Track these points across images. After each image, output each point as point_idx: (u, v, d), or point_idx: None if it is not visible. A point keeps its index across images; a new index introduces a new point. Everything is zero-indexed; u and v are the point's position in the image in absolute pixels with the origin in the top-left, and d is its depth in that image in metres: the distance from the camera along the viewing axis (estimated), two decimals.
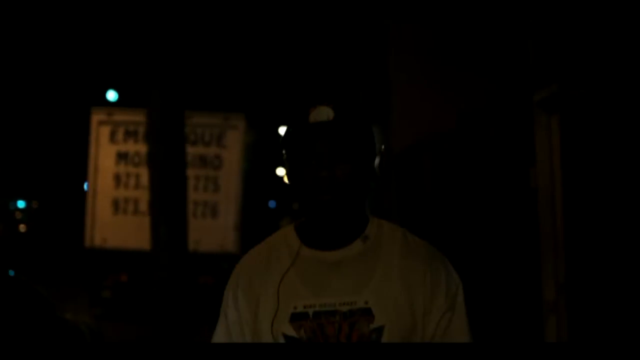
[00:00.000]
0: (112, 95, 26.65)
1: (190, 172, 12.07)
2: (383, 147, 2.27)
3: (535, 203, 5.98)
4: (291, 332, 2.15)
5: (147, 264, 13.66)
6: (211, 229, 13.27)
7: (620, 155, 4.71)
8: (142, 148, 14.17)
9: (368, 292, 2.16)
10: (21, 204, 35.27)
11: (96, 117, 14.69)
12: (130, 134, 14.34)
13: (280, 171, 33.36)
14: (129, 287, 13.93)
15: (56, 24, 22.28)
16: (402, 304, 2.16)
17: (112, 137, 14.41)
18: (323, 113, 2.19)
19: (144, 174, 14.19)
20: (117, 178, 14.33)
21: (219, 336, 2.28)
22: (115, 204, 14.30)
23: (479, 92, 9.42)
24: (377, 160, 2.24)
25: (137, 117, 14.19)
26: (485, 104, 8.04)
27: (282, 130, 33.72)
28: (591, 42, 5.02)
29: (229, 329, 2.26)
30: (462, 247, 7.35)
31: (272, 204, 32.06)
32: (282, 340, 2.15)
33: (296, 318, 2.17)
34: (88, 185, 14.93)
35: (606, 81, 4.83)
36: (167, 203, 8.37)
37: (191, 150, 12.86)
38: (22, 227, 31.43)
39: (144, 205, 14.05)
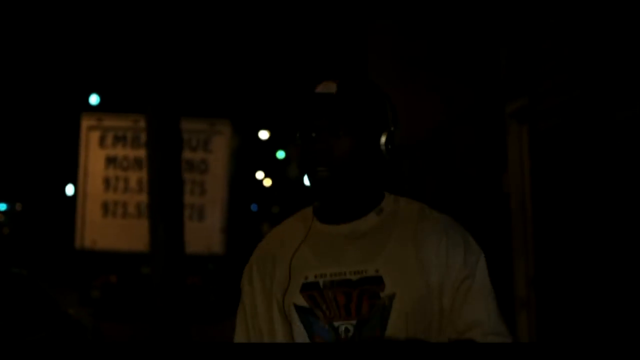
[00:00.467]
0: (94, 99, 26.91)
1: None
2: (392, 127, 2.18)
3: (508, 206, 6.46)
4: (302, 302, 2.12)
5: (135, 265, 14.12)
6: (198, 231, 13.62)
7: (584, 161, 5.19)
8: (130, 153, 14.63)
9: (379, 261, 2.11)
10: (2, 206, 35.18)
11: (86, 122, 15.11)
12: (119, 139, 14.77)
13: (260, 175, 33.68)
14: (118, 288, 14.29)
15: (48, 28, 22.50)
16: (415, 272, 2.10)
17: (102, 142, 14.82)
18: (327, 87, 2.17)
19: (133, 177, 14.68)
20: (106, 182, 14.75)
21: (240, 320, 2.26)
22: (105, 207, 14.71)
23: (456, 100, 9.85)
24: (383, 138, 2.16)
25: (125, 123, 14.67)
26: (462, 113, 8.49)
27: (262, 134, 33.88)
28: (559, 58, 5.49)
29: (245, 310, 2.24)
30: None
31: (254, 207, 32.51)
32: (293, 310, 2.13)
33: (307, 288, 2.14)
34: (78, 189, 15.33)
35: (573, 94, 5.31)
36: (165, 205, 8.76)
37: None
38: (4, 230, 31.39)
39: (132, 208, 14.53)
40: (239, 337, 2.24)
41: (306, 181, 2.19)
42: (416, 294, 2.07)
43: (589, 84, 5.01)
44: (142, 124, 14.73)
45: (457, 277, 2.09)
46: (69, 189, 32.29)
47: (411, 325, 2.07)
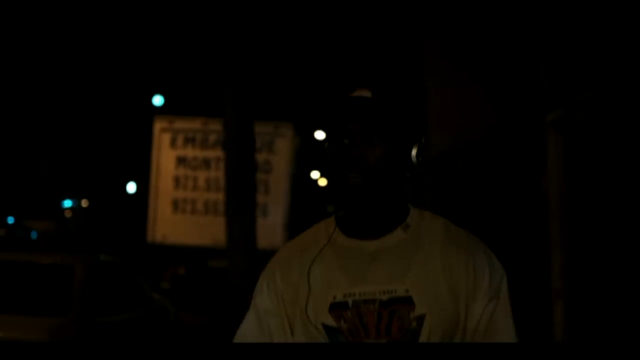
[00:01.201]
0: (158, 100, 27.82)
1: None
2: (424, 138, 2.16)
3: (546, 205, 7.22)
4: (331, 322, 2.05)
5: (203, 258, 15.09)
6: (263, 228, 14.53)
7: (613, 167, 5.93)
8: (199, 153, 15.64)
9: (409, 281, 2.05)
10: (68, 203, 36.32)
11: (159, 124, 16.16)
12: (188, 140, 15.78)
13: (315, 174, 34.48)
14: (186, 279, 15.26)
15: (118, 31, 23.41)
16: (444, 292, 2.06)
17: (173, 143, 15.85)
18: (361, 92, 2.13)
19: (201, 176, 15.69)
20: (176, 180, 15.78)
21: (248, 324, 2.18)
22: (175, 204, 15.74)
23: (504, 105, 10.54)
24: (414, 150, 2.12)
25: (195, 125, 15.70)
26: (508, 117, 9.22)
27: (318, 134, 34.70)
28: (589, 75, 6.25)
29: (259, 318, 2.16)
30: (487, 244, 8.59)
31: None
32: (321, 330, 2.06)
33: (336, 307, 2.07)
34: (150, 186, 16.36)
35: (603, 106, 6.06)
36: (240, 204, 9.61)
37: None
38: (71, 226, 32.47)
39: (200, 205, 15.54)
40: (245, 339, 2.18)
41: (334, 188, 2.11)
42: (445, 314, 2.05)
43: (613, 99, 5.77)
44: (210, 126, 15.81)
45: (483, 299, 2.08)
46: (131, 187, 33.46)
47: None
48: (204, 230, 14.86)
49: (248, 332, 2.16)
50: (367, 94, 2.11)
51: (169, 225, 15.62)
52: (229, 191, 9.86)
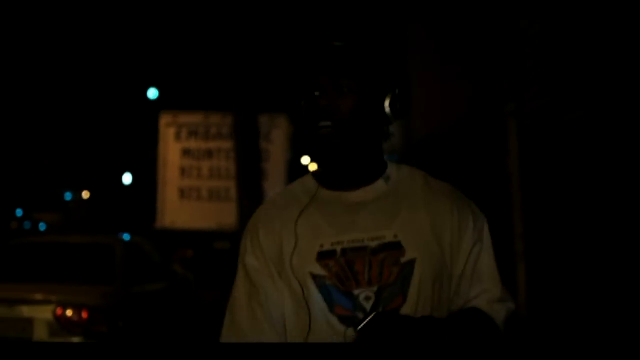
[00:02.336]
0: (152, 94, 28.65)
1: None
2: (397, 90, 2.09)
3: (509, 181, 8.60)
4: (319, 270, 2.01)
5: (208, 241, 16.47)
6: None
7: (560, 147, 7.28)
8: (202, 145, 17.07)
9: (397, 226, 2.04)
10: (69, 195, 37.43)
11: (164, 119, 17.54)
12: (192, 134, 17.22)
13: (305, 160, 35.59)
14: (194, 261, 16.59)
15: (116, 28, 24.13)
16: (431, 238, 2.05)
17: (177, 136, 17.27)
18: (332, 43, 2.07)
19: (205, 166, 17.10)
20: (182, 170, 17.22)
21: (240, 287, 2.10)
22: (181, 192, 17.18)
23: (478, 94, 11.86)
24: (387, 101, 2.07)
25: (197, 119, 17.14)
26: (478, 108, 10.57)
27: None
28: (536, 75, 7.61)
29: (248, 276, 2.08)
30: None
31: None
32: (309, 280, 2.01)
33: (323, 256, 2.03)
34: (158, 177, 17.73)
35: (549, 98, 7.41)
36: (250, 188, 10.96)
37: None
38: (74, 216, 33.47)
39: (205, 192, 16.98)
40: (241, 303, 2.10)
41: (307, 140, 2.06)
42: (435, 259, 2.04)
43: (558, 92, 7.14)
44: (211, 119, 17.21)
45: (468, 242, 2.08)
46: (127, 178, 34.59)
47: (432, 290, 2.03)
48: (209, 215, 16.41)
49: (241, 293, 2.09)
50: (337, 43, 2.06)
51: (176, 212, 17.07)
52: (239, 177, 11.21)
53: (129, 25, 24.25)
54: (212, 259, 16.05)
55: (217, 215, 16.54)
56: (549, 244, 8.00)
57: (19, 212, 28.57)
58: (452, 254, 2.09)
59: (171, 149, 17.33)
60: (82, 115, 33.34)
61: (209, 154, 16.93)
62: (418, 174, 2.19)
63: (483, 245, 2.12)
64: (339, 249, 2.04)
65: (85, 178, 36.33)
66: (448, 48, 13.09)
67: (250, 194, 11.10)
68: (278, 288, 2.06)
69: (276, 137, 17.07)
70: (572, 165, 6.99)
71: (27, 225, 27.14)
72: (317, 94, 2.02)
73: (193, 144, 17.23)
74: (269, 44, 16.26)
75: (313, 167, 39.40)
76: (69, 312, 7.15)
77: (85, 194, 36.66)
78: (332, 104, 2.01)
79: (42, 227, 27.76)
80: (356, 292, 2.01)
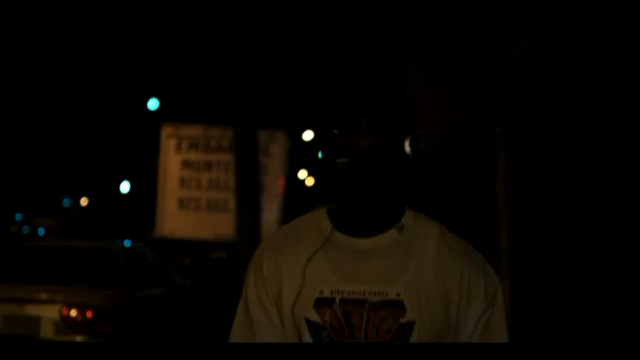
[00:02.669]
0: (152, 104, 28.91)
1: None
2: (419, 130, 2.06)
3: (497, 201, 9.02)
4: (314, 317, 1.96)
5: (206, 250, 16.91)
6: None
7: (546, 169, 7.70)
8: (202, 157, 17.55)
9: (401, 284, 1.96)
10: (67, 201, 37.79)
11: (165, 131, 18.02)
12: (192, 146, 17.71)
13: (302, 174, 35.95)
14: (191, 269, 17.00)
15: (121, 35, 24.34)
16: (436, 300, 1.97)
17: (178, 148, 17.75)
18: (350, 86, 2.06)
19: (204, 177, 17.57)
20: (181, 181, 17.69)
21: (238, 321, 2.09)
22: (180, 202, 17.64)
23: (471, 116, 12.23)
24: (407, 141, 2.02)
25: (197, 132, 17.65)
26: (473, 129, 10.98)
27: (307, 135, 35.95)
28: (521, 102, 8.03)
29: (248, 310, 2.06)
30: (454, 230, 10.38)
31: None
32: (304, 325, 1.96)
33: (321, 303, 1.97)
34: (158, 187, 18.19)
35: (535, 124, 7.83)
36: (249, 200, 11.40)
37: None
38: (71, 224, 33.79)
39: (203, 203, 17.43)
40: (237, 336, 2.08)
41: (324, 178, 2.03)
42: (436, 322, 1.96)
43: (539, 119, 7.56)
44: (211, 132, 17.68)
45: (478, 309, 1.99)
46: (124, 186, 34.93)
47: None
48: (207, 225, 16.88)
49: (237, 328, 2.07)
50: (356, 82, 2.05)
51: (175, 221, 17.53)
52: (238, 189, 11.65)
53: (131, 35, 24.51)
54: (209, 268, 16.51)
55: (215, 226, 17.02)
56: (532, 262, 8.37)
57: (18, 217, 28.95)
58: (459, 320, 1.99)
59: (171, 160, 17.81)
60: (81, 122, 33.56)
61: (209, 165, 17.45)
62: (434, 227, 2.09)
63: (494, 312, 2.03)
64: (338, 297, 1.97)
65: (83, 185, 36.67)
66: (442, 70, 13.45)
67: (248, 206, 11.53)
68: (274, 325, 2.02)
69: (274, 151, 17.58)
70: (557, 187, 7.38)
71: (26, 229, 27.52)
72: (335, 132, 2.00)
73: (193, 156, 17.73)
74: (270, 58, 16.69)
75: (309, 181, 39.55)
76: (74, 312, 7.55)
77: (84, 201, 37.00)
78: (350, 140, 1.98)
79: (41, 231, 28.14)
80: None
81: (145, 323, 8.62)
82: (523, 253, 8.53)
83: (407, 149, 2.03)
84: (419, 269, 2.00)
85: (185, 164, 17.73)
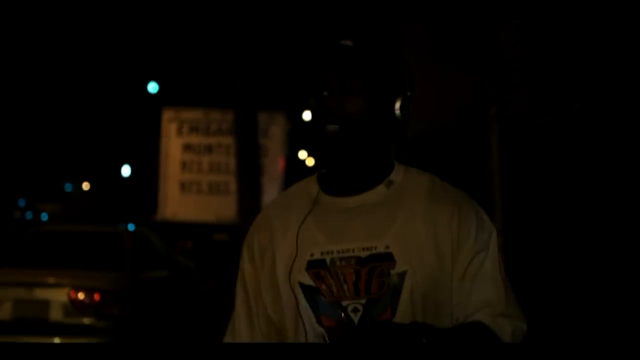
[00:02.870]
0: (152, 87, 29.02)
1: None
2: (409, 92, 2.02)
3: (492, 178, 9.23)
4: (308, 280, 1.96)
5: (207, 233, 17.14)
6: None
7: (537, 148, 7.91)
8: (203, 140, 17.76)
9: (389, 237, 1.94)
10: (69, 186, 38.05)
11: (166, 115, 18.23)
12: (193, 129, 17.92)
13: (302, 154, 36.11)
14: (194, 252, 17.23)
15: (122, 21, 24.39)
16: (427, 249, 1.94)
17: (179, 132, 17.96)
18: (342, 43, 2.02)
19: (205, 160, 17.79)
20: (183, 164, 17.92)
21: (239, 295, 2.11)
22: (182, 185, 17.88)
23: (467, 96, 12.46)
24: (398, 103, 1.99)
25: (198, 115, 17.84)
26: (466, 109, 11.19)
27: (307, 115, 35.84)
28: (514, 83, 8.23)
29: (245, 285, 2.09)
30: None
31: None
32: (298, 289, 1.96)
33: (313, 266, 1.97)
34: (160, 170, 18.42)
35: (518, 107, 8.04)
36: (250, 182, 11.61)
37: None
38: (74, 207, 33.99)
39: (205, 186, 17.67)
40: (240, 313, 2.11)
41: (314, 141, 2.01)
42: (428, 271, 1.93)
43: (529, 99, 7.76)
44: (211, 115, 17.88)
45: (468, 254, 1.95)
46: (125, 170, 35.17)
47: (423, 305, 1.93)
48: (209, 207, 17.13)
49: (240, 303, 2.11)
50: (347, 42, 2.01)
51: (177, 204, 17.77)
52: (239, 171, 11.87)
53: (131, 20, 24.55)
54: (211, 250, 16.75)
55: (217, 208, 17.27)
56: (526, 239, 8.56)
57: (22, 202, 29.21)
58: (452, 266, 1.95)
59: (173, 143, 18.03)
60: (81, 107, 33.72)
61: (209, 149, 17.69)
62: (425, 178, 2.08)
63: (487, 255, 1.97)
64: (328, 258, 1.97)
65: (85, 169, 36.92)
66: (439, 51, 13.64)
67: (249, 188, 11.75)
68: (272, 295, 2.02)
69: (274, 133, 17.78)
70: (547, 164, 7.57)
71: (29, 215, 27.77)
72: (325, 93, 1.97)
73: (194, 139, 17.96)
74: (269, 41, 16.84)
75: (310, 161, 39.73)
76: (83, 295, 7.78)
77: (86, 186, 37.24)
78: (340, 105, 1.96)
79: (44, 217, 28.39)
80: (344, 303, 1.94)
81: (151, 305, 8.84)
82: (517, 229, 8.75)
83: (397, 112, 2.00)
84: (408, 221, 1.97)
85: (187, 147, 17.96)
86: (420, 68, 12.13)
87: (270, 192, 17.44)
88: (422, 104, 13.67)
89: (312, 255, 1.98)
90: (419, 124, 13.53)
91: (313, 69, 2.07)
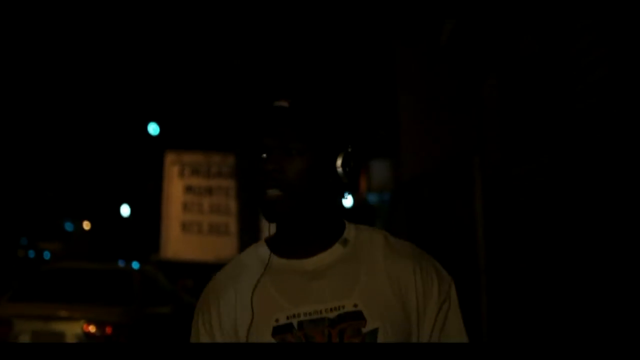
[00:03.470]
0: (153, 129, 29.39)
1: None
2: (350, 147, 1.97)
3: (475, 221, 9.90)
4: None
5: (207, 272, 17.78)
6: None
7: (511, 196, 8.58)
8: (203, 182, 18.52)
9: (356, 295, 1.92)
10: (70, 225, 38.48)
11: (169, 158, 19.01)
12: (194, 172, 18.69)
13: None
14: (194, 291, 17.77)
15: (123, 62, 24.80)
16: (394, 304, 1.94)
17: (181, 174, 18.72)
18: (277, 103, 1.97)
19: (205, 202, 18.52)
20: (184, 205, 18.65)
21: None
22: (183, 225, 18.58)
23: (457, 140, 13.03)
24: (339, 160, 1.94)
25: (199, 158, 18.62)
26: (456, 155, 11.86)
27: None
28: (490, 137, 8.93)
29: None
30: (442, 247, 11.24)
31: None
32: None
33: (279, 331, 1.91)
34: (162, 211, 19.13)
35: (497, 158, 8.74)
36: (250, 223, 12.31)
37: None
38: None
39: (205, 226, 18.37)
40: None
41: (257, 206, 1.96)
42: (399, 327, 1.93)
43: (507, 150, 8.45)
44: (212, 159, 18.62)
45: (434, 308, 1.97)
46: (124, 210, 35.69)
47: None
48: (209, 247, 17.86)
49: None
50: (283, 103, 1.96)
51: (179, 244, 18.49)
52: (241, 213, 12.59)
53: (134, 62, 24.92)
54: None
55: (216, 248, 17.94)
56: (507, 276, 9.14)
57: (24, 241, 29.81)
58: (419, 319, 1.98)
59: (175, 185, 18.80)
60: (81, 148, 34.09)
61: (210, 191, 18.47)
62: (378, 235, 2.06)
63: (450, 307, 2.02)
64: (295, 322, 1.93)
65: (85, 209, 37.39)
66: (433, 97, 14.22)
67: (249, 229, 12.43)
68: None
69: None
70: (522, 211, 8.18)
71: (32, 253, 28.35)
72: (263, 156, 1.94)
73: (195, 181, 18.73)
74: (268, 91, 17.48)
75: None
76: (95, 327, 8.44)
77: (86, 225, 37.75)
78: (279, 168, 1.92)
79: (47, 255, 28.95)
80: None
81: (157, 337, 9.48)
82: (498, 266, 9.37)
83: (339, 169, 1.97)
84: (372, 277, 1.97)
85: (188, 189, 18.74)
86: (415, 112, 12.79)
87: (268, 233, 18.04)
88: (418, 147, 14.32)
89: (277, 320, 1.94)
90: (414, 166, 14.16)
91: (250, 130, 2.12)
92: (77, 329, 8.38)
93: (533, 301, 8.20)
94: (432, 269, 2.03)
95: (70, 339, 8.34)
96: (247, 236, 12.34)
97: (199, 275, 18.11)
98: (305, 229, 1.99)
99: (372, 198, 17.03)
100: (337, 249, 2.01)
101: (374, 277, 1.97)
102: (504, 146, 8.52)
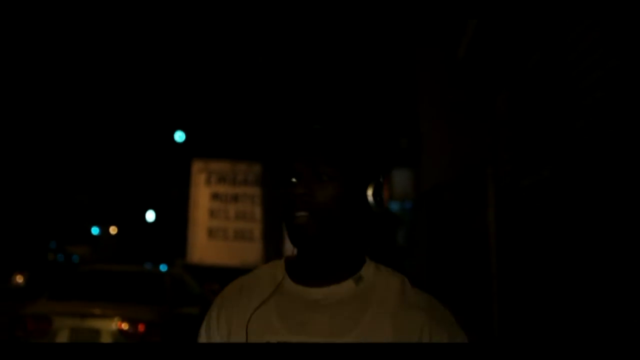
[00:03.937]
0: (179, 136, 29.89)
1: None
2: (382, 177, 1.94)
3: (487, 229, 10.38)
4: None
5: (232, 276, 18.35)
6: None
7: (519, 207, 9.06)
8: (229, 190, 19.11)
9: (352, 337, 1.83)
10: (96, 230, 39.20)
11: (196, 166, 19.61)
12: (221, 179, 19.28)
13: None
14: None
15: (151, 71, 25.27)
16: None
17: (208, 181, 19.33)
18: (311, 128, 1.94)
19: (231, 209, 19.12)
20: (211, 212, 19.25)
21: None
22: (210, 232, 19.19)
23: (476, 147, 13.47)
24: (370, 190, 1.91)
25: (225, 166, 19.21)
26: (472, 165, 12.32)
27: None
28: (502, 148, 9.42)
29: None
30: (458, 253, 11.72)
31: None
32: None
33: None
34: (189, 218, 19.73)
35: (507, 169, 9.22)
36: (273, 229, 12.85)
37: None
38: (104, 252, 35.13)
39: (231, 232, 18.96)
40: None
41: (286, 229, 1.89)
42: None
43: (516, 162, 8.93)
44: (238, 167, 19.21)
45: None
46: (150, 215, 36.30)
47: None
48: (234, 253, 18.47)
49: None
50: (316, 126, 1.94)
51: (205, 249, 19.09)
52: (266, 220, 13.13)
53: (162, 70, 25.37)
54: None
55: (241, 254, 18.51)
56: (518, 282, 9.59)
57: (53, 245, 30.51)
58: None
59: (202, 192, 19.41)
60: (110, 154, 34.80)
61: (235, 198, 19.07)
62: (395, 280, 1.96)
63: None
64: None
65: (112, 214, 38.06)
66: (451, 109, 14.71)
67: (273, 235, 12.97)
68: None
69: None
70: (529, 221, 8.64)
71: (61, 257, 29.00)
72: (294, 180, 1.90)
73: (221, 189, 19.34)
74: (293, 101, 17.96)
75: None
76: (129, 325, 8.99)
77: (113, 229, 38.42)
78: (309, 192, 1.87)
79: (75, 259, 29.62)
80: None
81: (185, 336, 10.02)
82: (509, 273, 9.82)
83: (370, 198, 1.92)
84: (375, 322, 1.88)
85: (214, 196, 19.33)
86: (436, 124, 13.22)
87: (287, 239, 18.55)
88: (438, 157, 14.78)
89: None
90: (434, 176, 14.62)
91: (282, 153, 2.19)
92: (112, 326, 8.90)
93: (543, 306, 8.64)
94: (444, 327, 1.91)
95: (105, 335, 8.88)
96: (271, 242, 12.87)
97: (225, 279, 18.66)
98: (326, 256, 1.93)
99: (394, 206, 17.44)
100: (348, 285, 1.94)
101: (378, 321, 1.88)
102: (514, 157, 9.01)
